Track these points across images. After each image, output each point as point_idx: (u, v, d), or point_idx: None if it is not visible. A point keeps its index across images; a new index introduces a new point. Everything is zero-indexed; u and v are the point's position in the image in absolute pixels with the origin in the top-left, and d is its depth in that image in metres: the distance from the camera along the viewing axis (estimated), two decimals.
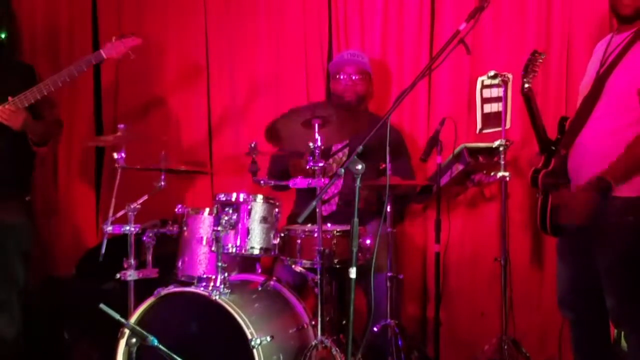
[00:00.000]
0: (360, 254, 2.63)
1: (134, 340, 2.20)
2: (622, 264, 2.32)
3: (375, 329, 2.92)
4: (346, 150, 3.26)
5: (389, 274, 2.97)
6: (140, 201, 2.83)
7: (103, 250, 2.81)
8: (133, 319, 2.52)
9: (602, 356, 2.58)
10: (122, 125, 2.96)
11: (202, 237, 2.71)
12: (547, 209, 2.54)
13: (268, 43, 3.79)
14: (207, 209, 2.73)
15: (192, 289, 2.56)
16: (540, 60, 2.57)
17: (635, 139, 2.27)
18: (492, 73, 2.95)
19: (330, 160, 3.23)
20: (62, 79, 2.93)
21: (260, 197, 2.67)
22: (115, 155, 2.86)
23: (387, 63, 3.59)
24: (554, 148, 2.54)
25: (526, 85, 2.54)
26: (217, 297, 2.45)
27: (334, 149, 3.27)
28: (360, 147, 2.10)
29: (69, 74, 2.94)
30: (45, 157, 3.85)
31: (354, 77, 3.27)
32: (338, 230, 2.70)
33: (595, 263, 2.37)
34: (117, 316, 2.11)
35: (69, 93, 3.90)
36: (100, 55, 3.01)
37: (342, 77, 3.29)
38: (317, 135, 2.60)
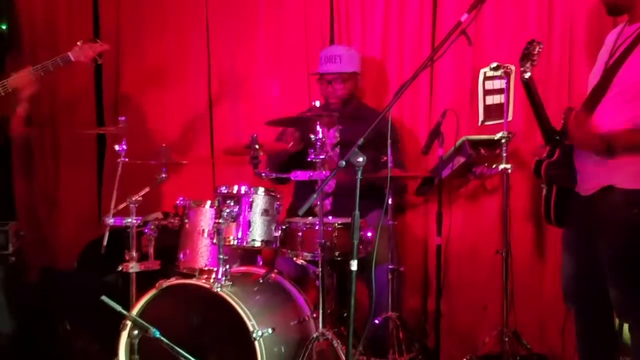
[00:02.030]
0: (361, 247, 2.63)
1: (135, 332, 2.21)
2: (626, 256, 2.31)
3: (376, 321, 2.92)
4: (337, 149, 3.24)
5: (390, 266, 2.97)
6: (142, 193, 2.83)
7: (105, 243, 2.81)
8: (135, 311, 2.53)
9: (605, 348, 2.57)
10: (123, 118, 2.96)
11: (203, 230, 2.71)
12: (551, 200, 2.53)
13: (269, 39, 3.77)
14: (209, 202, 2.73)
15: (193, 281, 2.58)
16: (539, 49, 2.55)
17: None
18: (494, 65, 2.93)
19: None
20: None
21: (261, 190, 2.67)
22: (117, 147, 2.87)
23: (389, 56, 3.57)
24: (558, 138, 2.53)
25: (526, 75, 2.52)
26: (218, 289, 2.46)
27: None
28: (362, 139, 2.09)
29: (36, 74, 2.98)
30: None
31: (332, 84, 3.26)
32: (339, 222, 2.70)
33: (599, 255, 2.37)
34: (119, 308, 2.12)
35: (69, 85, 3.91)
36: (68, 58, 3.06)
37: (322, 82, 3.30)
38: (318, 127, 2.60)
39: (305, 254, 2.68)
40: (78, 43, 3.07)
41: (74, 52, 3.04)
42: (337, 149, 3.23)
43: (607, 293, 2.36)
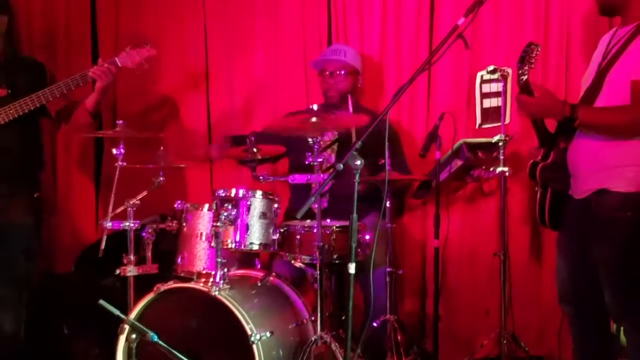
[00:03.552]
0: (359, 250, 2.63)
1: (133, 336, 2.21)
2: (620, 259, 2.32)
3: (374, 324, 2.92)
4: (335, 147, 3.24)
5: (388, 269, 2.97)
6: (140, 197, 2.83)
7: (103, 246, 2.81)
8: (133, 314, 2.53)
9: (602, 350, 2.58)
10: (120, 121, 2.96)
11: (201, 233, 2.70)
12: (545, 203, 2.54)
13: (267, 40, 3.77)
14: (207, 205, 2.72)
15: (191, 284, 2.57)
16: (537, 52, 2.56)
17: (620, 107, 2.29)
18: (491, 68, 2.94)
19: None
20: (75, 82, 2.93)
21: (259, 193, 2.67)
22: (114, 151, 2.87)
23: (386, 59, 3.58)
24: (554, 141, 2.53)
25: (523, 77, 2.54)
26: (216, 293, 2.46)
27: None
28: (359, 142, 2.09)
29: (83, 78, 2.94)
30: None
31: (334, 75, 3.27)
32: (337, 225, 2.70)
33: (593, 258, 2.37)
34: (117, 312, 2.12)
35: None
36: (116, 63, 2.97)
37: (323, 75, 3.31)
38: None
39: (304, 257, 2.68)
40: (126, 49, 2.99)
41: (121, 58, 2.96)
42: (335, 147, 3.23)
43: (603, 296, 2.37)
